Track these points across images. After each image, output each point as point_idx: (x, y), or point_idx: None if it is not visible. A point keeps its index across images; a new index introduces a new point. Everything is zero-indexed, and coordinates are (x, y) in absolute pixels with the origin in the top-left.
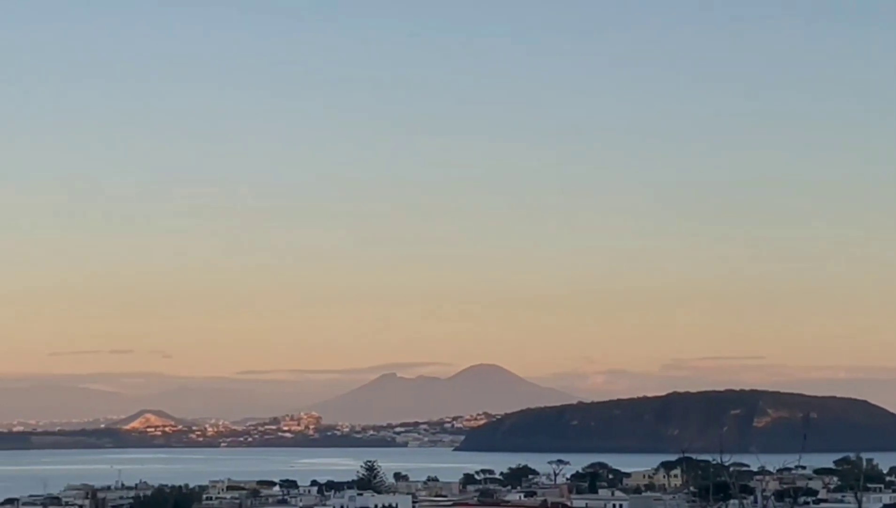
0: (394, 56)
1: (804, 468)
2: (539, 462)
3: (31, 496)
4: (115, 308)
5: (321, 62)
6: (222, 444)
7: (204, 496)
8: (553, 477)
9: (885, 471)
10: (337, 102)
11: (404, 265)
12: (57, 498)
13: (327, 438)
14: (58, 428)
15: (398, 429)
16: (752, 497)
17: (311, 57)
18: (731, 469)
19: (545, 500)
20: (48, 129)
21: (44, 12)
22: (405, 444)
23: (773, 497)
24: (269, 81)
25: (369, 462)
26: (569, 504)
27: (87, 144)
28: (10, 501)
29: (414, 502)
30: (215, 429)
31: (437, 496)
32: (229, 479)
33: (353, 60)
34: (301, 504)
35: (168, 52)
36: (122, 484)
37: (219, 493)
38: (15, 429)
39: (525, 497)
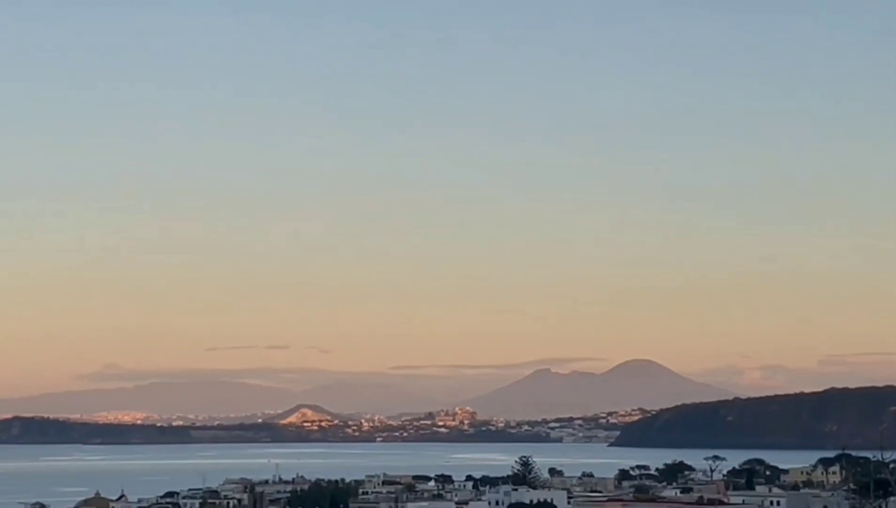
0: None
1: None
2: (695, 458)
3: (190, 489)
4: (272, 304)
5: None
6: (378, 439)
7: (360, 490)
8: (709, 473)
9: None
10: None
11: (559, 262)
12: (216, 492)
13: (482, 433)
14: (216, 423)
15: (552, 424)
16: None
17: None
18: (891, 465)
19: (701, 496)
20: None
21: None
22: (560, 439)
23: None
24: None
25: (524, 457)
26: (725, 500)
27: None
28: (170, 494)
29: (569, 497)
30: (371, 424)
31: (592, 491)
32: (385, 474)
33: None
34: (456, 499)
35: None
36: (280, 478)
37: (374, 487)
38: (175, 423)
39: (681, 493)
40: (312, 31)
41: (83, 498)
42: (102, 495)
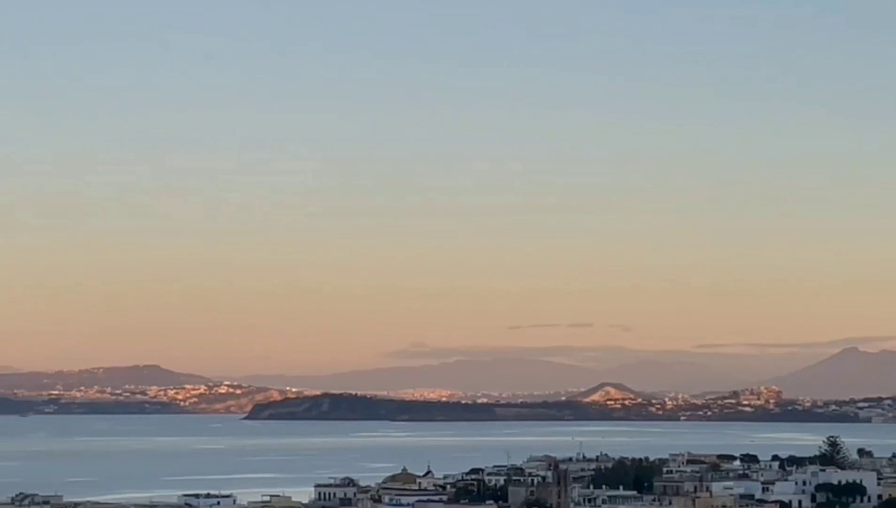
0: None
1: None
2: None
3: (495, 466)
4: (574, 283)
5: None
6: (681, 417)
7: (664, 469)
8: None
9: None
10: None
11: (867, 239)
12: (520, 469)
13: (787, 412)
14: (520, 400)
15: (861, 404)
16: None
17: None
18: None
19: None
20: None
21: None
22: (868, 419)
23: None
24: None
25: (831, 437)
26: None
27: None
28: (475, 471)
29: (879, 479)
30: (674, 403)
31: None
32: (689, 453)
33: None
34: (762, 479)
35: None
36: (584, 456)
37: (679, 466)
38: (479, 401)
39: None
40: None
41: (390, 474)
42: (409, 471)
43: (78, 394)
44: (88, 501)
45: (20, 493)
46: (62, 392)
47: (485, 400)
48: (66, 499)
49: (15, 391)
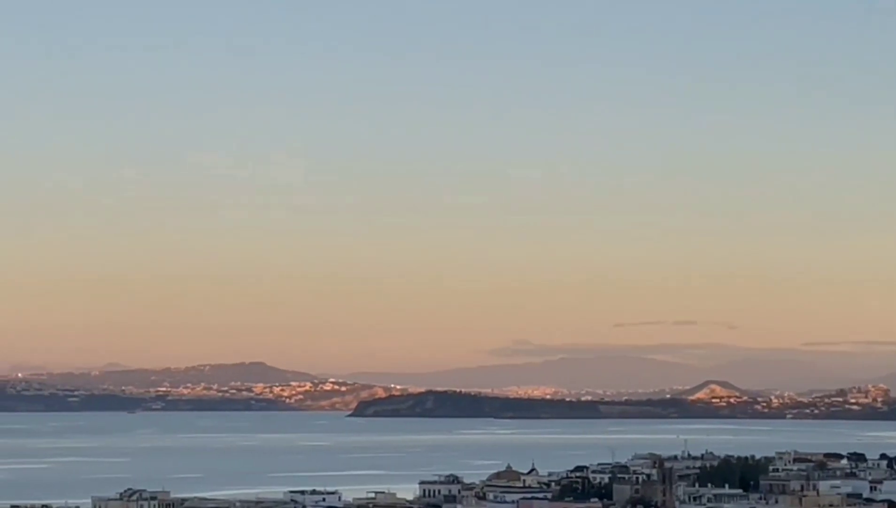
0: None
1: None
2: None
3: (599, 464)
4: (678, 280)
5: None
6: (788, 416)
7: (770, 467)
8: None
9: None
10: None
11: None
12: (625, 467)
13: None
14: (624, 398)
15: None
16: None
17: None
18: None
19: None
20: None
21: None
22: None
23: None
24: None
25: None
26: None
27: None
28: (579, 468)
29: None
30: (780, 401)
31: None
32: (796, 451)
33: None
34: (870, 478)
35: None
36: (689, 454)
37: (785, 465)
38: (583, 398)
39: None
40: None
41: (495, 471)
42: (514, 468)
43: (185, 391)
44: (195, 497)
45: (129, 489)
46: (169, 389)
47: (589, 398)
48: (173, 495)
49: (123, 388)
